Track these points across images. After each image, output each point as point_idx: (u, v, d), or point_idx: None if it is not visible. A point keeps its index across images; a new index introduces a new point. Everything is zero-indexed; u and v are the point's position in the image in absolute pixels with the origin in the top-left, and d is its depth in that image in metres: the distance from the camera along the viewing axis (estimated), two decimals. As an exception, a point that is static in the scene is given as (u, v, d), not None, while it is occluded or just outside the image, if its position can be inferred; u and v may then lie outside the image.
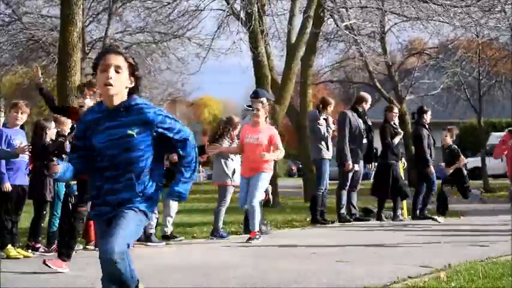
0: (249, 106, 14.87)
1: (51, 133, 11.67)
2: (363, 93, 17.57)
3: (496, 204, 20.54)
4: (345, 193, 16.34)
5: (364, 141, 16.52)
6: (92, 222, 11.95)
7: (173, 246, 12.65)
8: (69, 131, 11.93)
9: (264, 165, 12.93)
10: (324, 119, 15.92)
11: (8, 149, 11.04)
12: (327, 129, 15.89)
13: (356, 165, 16.23)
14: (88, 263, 10.34)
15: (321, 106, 16.12)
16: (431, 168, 16.90)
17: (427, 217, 16.64)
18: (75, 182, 11.94)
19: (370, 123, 16.77)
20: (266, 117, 13.45)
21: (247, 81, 47.94)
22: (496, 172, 38.34)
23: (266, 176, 13.03)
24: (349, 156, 16.04)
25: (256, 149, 12.80)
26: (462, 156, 17.38)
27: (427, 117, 17.33)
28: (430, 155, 17.04)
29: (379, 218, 16.76)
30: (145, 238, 12.76)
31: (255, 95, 14.64)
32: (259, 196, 12.88)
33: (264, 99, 14.60)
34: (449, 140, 17.36)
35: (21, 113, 11.35)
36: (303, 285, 8.64)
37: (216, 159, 13.71)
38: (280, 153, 13.14)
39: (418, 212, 16.90)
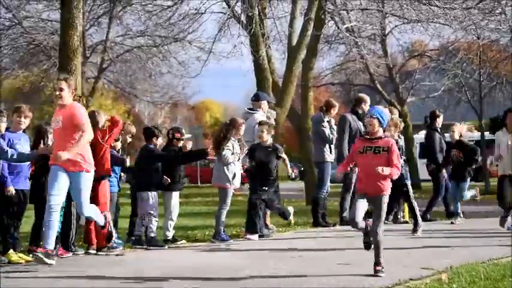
0: (250, 109, 14.86)
1: (52, 137, 11.65)
2: (361, 95, 17.54)
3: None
4: (348, 196, 16.33)
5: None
6: (92, 226, 11.96)
7: (174, 249, 12.64)
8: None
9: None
10: (327, 121, 15.92)
11: (28, 152, 11.11)
12: (331, 131, 15.88)
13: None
14: (89, 266, 10.34)
15: (324, 109, 16.12)
16: (443, 172, 16.92)
17: (427, 220, 16.62)
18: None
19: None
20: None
21: (248, 84, 47.99)
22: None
23: None
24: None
25: None
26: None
27: (439, 122, 17.45)
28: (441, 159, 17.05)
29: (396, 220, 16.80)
30: (147, 241, 12.75)
31: (256, 98, 14.64)
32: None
33: (265, 102, 14.60)
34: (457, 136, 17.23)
35: (24, 117, 11.37)
36: (305, 286, 8.64)
37: (218, 161, 13.71)
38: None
39: (423, 214, 16.92)
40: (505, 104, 39.59)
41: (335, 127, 16.06)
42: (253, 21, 21.99)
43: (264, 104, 14.68)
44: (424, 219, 16.47)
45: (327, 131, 15.81)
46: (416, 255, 10.73)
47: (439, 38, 29.55)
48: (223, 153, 13.43)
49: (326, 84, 40.92)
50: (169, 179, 13.07)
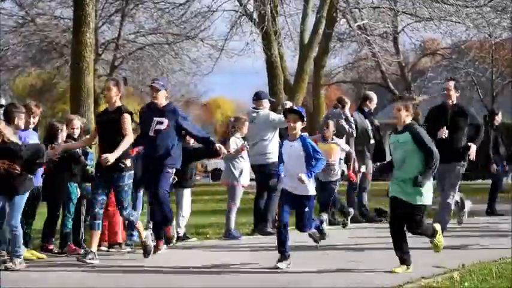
0: (254, 108, 14.85)
1: (63, 135, 11.68)
2: (368, 92, 17.57)
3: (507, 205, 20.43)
4: (363, 194, 16.34)
5: (372, 141, 16.47)
6: (106, 223, 12.00)
7: (185, 247, 12.65)
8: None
9: None
10: (344, 118, 15.90)
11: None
12: (350, 125, 15.88)
13: (362, 167, 16.18)
14: (98, 263, 10.36)
15: (340, 105, 16.15)
16: (494, 167, 17.61)
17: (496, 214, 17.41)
18: (89, 184, 11.99)
19: (377, 124, 16.74)
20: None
21: (260, 81, 47.83)
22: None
23: None
24: (354, 157, 16.03)
25: None
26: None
27: (498, 119, 18.09)
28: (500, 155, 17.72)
29: None
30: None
31: (258, 97, 14.63)
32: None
33: (266, 101, 14.59)
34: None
35: (33, 117, 11.42)
36: (315, 285, 8.65)
37: (225, 159, 13.73)
38: None
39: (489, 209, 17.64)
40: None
41: (352, 121, 16.03)
42: (266, 19, 21.99)
43: (266, 102, 14.68)
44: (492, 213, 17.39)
45: (346, 126, 15.78)
46: (429, 254, 10.70)
47: (451, 36, 29.48)
48: (230, 150, 13.44)
49: (337, 82, 40.89)
50: (176, 177, 13.10)
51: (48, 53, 31.32)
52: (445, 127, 12.33)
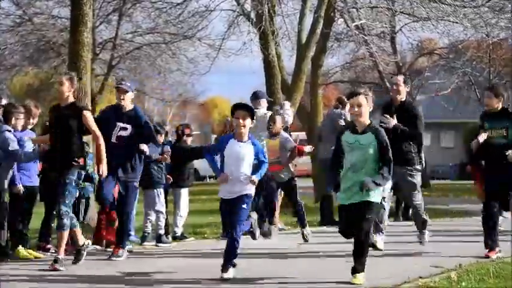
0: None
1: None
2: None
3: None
4: None
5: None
6: (104, 224, 12.01)
7: (183, 246, 12.66)
8: None
9: None
10: (344, 118, 15.93)
11: (31, 150, 11.13)
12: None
13: None
14: (96, 263, 10.36)
15: (340, 105, 16.17)
16: None
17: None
18: (89, 184, 12.00)
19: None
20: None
21: (257, 81, 47.89)
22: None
23: None
24: None
25: None
26: None
27: None
28: None
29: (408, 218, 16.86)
30: (156, 239, 12.78)
31: (255, 97, 14.64)
32: None
33: (264, 100, 14.59)
34: None
35: (33, 118, 11.46)
36: (313, 285, 8.65)
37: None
38: None
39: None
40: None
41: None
42: (263, 19, 21.98)
43: (264, 102, 14.68)
44: None
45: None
46: (427, 254, 10.72)
47: (448, 36, 29.40)
48: None
49: (335, 82, 40.86)
50: (171, 178, 13.11)
51: (46, 53, 31.26)
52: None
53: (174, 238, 13.21)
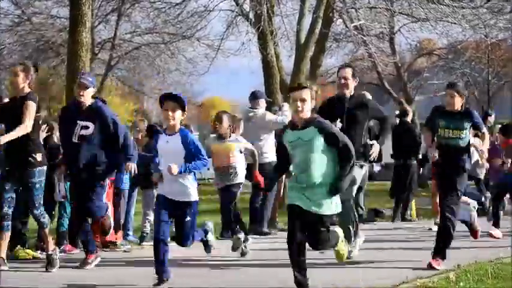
0: (250, 108, 14.84)
1: (58, 134, 11.65)
2: (363, 93, 17.62)
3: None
4: (359, 194, 16.36)
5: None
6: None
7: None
8: None
9: None
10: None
11: None
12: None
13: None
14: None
15: None
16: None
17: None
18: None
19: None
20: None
21: (256, 81, 47.86)
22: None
23: None
24: None
25: None
26: None
27: (491, 120, 18.27)
28: None
29: (404, 219, 16.96)
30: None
31: (254, 97, 14.63)
32: None
33: (263, 100, 14.59)
34: None
35: None
36: (311, 285, 8.64)
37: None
38: None
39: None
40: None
41: None
42: (262, 19, 22.00)
43: (262, 102, 14.67)
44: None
45: None
46: (424, 254, 10.71)
47: (447, 37, 29.43)
48: None
49: (334, 82, 40.86)
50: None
51: (45, 52, 31.31)
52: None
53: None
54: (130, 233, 12.85)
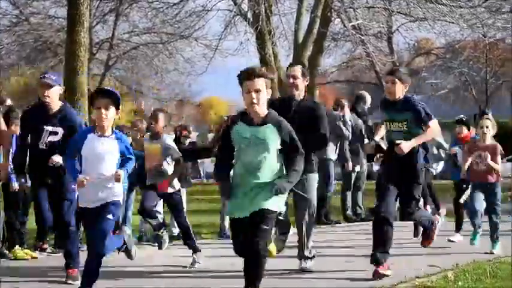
0: None
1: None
2: (361, 92, 17.62)
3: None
4: (349, 194, 16.35)
5: (366, 141, 16.52)
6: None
7: (180, 246, 12.64)
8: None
9: None
10: (342, 120, 15.93)
11: None
12: (346, 128, 15.90)
13: (357, 166, 16.24)
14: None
15: (339, 108, 16.20)
16: None
17: None
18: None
19: (370, 124, 16.76)
20: None
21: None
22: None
23: None
24: (349, 157, 16.04)
25: None
26: None
27: None
28: None
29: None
30: (153, 238, 12.76)
31: None
32: None
33: None
34: None
35: None
36: (309, 285, 8.64)
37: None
38: None
39: None
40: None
41: (350, 123, 16.06)
42: (260, 19, 22.01)
43: None
44: None
45: (343, 128, 15.81)
46: (423, 253, 10.72)
47: (445, 36, 29.51)
48: None
49: (332, 82, 40.91)
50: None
51: (42, 52, 31.34)
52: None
53: (171, 238, 13.19)
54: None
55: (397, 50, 35.73)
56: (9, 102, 11.88)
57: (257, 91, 7.14)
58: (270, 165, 7.15)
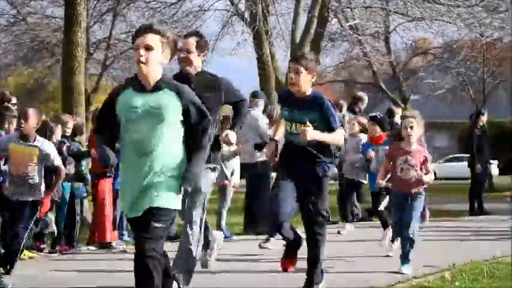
0: (248, 107, 14.81)
1: (57, 134, 11.62)
2: (359, 93, 17.65)
3: (500, 204, 20.50)
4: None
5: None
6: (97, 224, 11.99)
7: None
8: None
9: None
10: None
11: None
12: (345, 130, 15.91)
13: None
14: (90, 263, 10.35)
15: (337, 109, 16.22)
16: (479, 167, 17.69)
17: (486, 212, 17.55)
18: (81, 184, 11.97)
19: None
20: None
21: (251, 81, 47.99)
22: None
23: None
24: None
25: None
26: None
27: (484, 119, 18.20)
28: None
29: None
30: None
31: (254, 96, 14.64)
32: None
33: (262, 101, 14.59)
34: None
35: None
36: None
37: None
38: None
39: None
40: (509, 102, 39.68)
41: (347, 125, 16.06)
42: (257, 19, 22.02)
43: (261, 103, 14.69)
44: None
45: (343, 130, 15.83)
46: (420, 253, 10.73)
47: (442, 36, 29.53)
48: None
49: (329, 82, 40.91)
50: None
51: (40, 52, 31.35)
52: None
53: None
54: (125, 233, 12.82)
55: (395, 50, 35.76)
56: (14, 100, 11.86)
57: (147, 48, 5.82)
58: (168, 146, 5.77)
